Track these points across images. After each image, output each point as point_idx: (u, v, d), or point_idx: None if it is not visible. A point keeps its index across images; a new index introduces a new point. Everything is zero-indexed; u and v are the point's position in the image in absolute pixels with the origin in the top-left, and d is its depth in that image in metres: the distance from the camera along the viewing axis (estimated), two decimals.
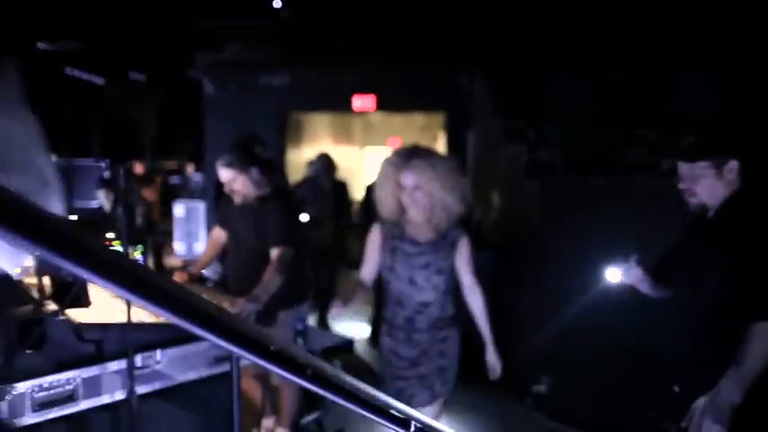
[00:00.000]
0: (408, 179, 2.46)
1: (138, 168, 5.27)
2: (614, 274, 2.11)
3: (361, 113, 7.85)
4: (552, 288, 3.79)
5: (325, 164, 5.39)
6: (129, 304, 1.77)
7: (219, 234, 3.25)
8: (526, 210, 4.58)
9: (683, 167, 1.84)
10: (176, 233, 5.39)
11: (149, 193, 6.21)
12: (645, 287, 2.08)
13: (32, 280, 2.19)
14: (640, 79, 4.49)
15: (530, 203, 4.48)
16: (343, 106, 7.63)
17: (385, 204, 2.54)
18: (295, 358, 0.64)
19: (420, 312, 2.50)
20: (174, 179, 8.23)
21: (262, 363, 0.63)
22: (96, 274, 0.47)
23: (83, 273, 0.47)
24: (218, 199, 4.30)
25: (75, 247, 0.49)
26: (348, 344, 3.40)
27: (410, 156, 2.50)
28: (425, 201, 2.47)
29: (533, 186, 4.45)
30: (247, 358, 0.64)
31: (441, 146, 7.77)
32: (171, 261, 5.72)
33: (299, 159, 7.30)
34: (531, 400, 3.91)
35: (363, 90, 7.46)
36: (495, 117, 5.76)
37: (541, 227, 4.17)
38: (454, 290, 2.58)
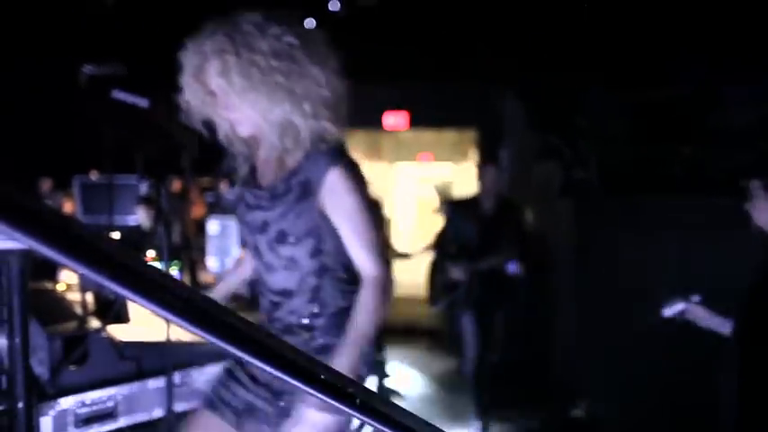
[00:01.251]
0: (209, 76, 1.41)
1: (177, 186, 5.38)
2: (671, 311, 1.80)
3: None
4: (589, 310, 3.70)
5: None
6: (168, 323, 1.80)
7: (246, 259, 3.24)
8: (560, 229, 4.50)
9: (757, 185, 1.55)
10: (210, 249, 5.48)
11: (198, 209, 6.31)
12: (710, 323, 1.76)
13: (76, 296, 2.25)
14: (680, 93, 4.40)
15: (564, 222, 4.41)
16: (375, 124, 7.68)
17: (220, 125, 1.53)
18: (345, 387, 0.64)
19: (278, 306, 1.50)
20: (209, 197, 8.37)
21: (311, 391, 0.63)
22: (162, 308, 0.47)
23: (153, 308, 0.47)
24: None
25: (130, 273, 0.50)
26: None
27: (214, 32, 1.40)
28: (246, 114, 1.42)
29: (568, 205, 4.37)
30: (297, 386, 0.63)
31: (473, 163, 7.75)
32: (204, 277, 5.81)
33: None
34: (569, 423, 3.80)
35: (395, 107, 7.51)
36: (529, 133, 5.71)
37: (576, 247, 4.08)
38: (346, 270, 1.47)
